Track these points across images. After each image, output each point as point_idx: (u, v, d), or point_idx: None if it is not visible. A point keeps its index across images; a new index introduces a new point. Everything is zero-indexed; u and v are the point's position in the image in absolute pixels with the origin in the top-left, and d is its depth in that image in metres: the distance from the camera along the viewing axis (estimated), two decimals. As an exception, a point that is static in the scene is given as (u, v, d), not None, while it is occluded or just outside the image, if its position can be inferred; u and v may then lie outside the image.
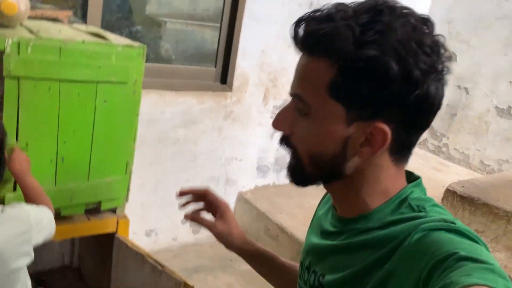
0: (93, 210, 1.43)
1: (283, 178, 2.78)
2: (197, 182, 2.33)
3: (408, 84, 0.56)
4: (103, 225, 1.44)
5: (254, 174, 2.61)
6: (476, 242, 0.56)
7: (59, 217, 1.34)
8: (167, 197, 2.27)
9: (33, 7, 1.60)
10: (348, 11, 0.59)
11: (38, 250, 1.85)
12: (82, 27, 1.54)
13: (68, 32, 1.35)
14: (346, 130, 0.61)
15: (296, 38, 0.62)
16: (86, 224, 1.40)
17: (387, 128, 0.59)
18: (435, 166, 2.95)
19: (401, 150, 0.64)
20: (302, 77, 0.63)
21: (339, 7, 0.59)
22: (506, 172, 2.70)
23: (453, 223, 0.59)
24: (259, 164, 2.61)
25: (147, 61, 2.11)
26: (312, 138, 0.63)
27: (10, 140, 1.16)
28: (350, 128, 0.61)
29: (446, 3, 3.03)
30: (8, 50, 1.10)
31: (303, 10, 2.40)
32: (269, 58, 2.39)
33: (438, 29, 0.60)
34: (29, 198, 1.10)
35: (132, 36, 2.09)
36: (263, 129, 2.53)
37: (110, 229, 1.46)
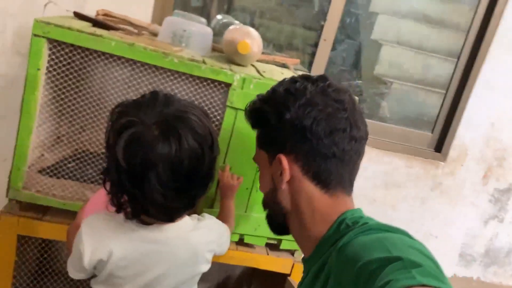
0: (273, 246, 1.46)
1: (491, 275, 2.34)
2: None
3: (282, 123, 0.78)
4: (279, 263, 1.45)
5: (454, 260, 2.27)
6: (388, 231, 0.64)
7: (242, 243, 1.42)
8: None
9: (267, 53, 1.80)
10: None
11: (221, 278, 1.99)
12: (305, 74, 1.64)
13: (289, 75, 1.45)
14: (270, 169, 0.83)
15: None
16: (264, 257, 1.43)
17: (282, 157, 0.79)
18: None
19: (320, 177, 0.77)
20: None
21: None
22: None
23: (366, 223, 0.69)
24: (462, 250, 2.26)
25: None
26: (261, 184, 0.89)
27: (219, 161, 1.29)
28: (272, 167, 0.82)
29: None
30: (234, 84, 1.24)
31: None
32: (500, 133, 2.09)
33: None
34: (222, 216, 1.21)
35: (351, 89, 2.13)
36: (477, 211, 2.20)
37: (285, 270, 1.46)
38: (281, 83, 0.86)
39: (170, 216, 0.91)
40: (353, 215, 0.75)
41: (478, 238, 2.25)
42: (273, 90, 0.86)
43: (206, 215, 1.07)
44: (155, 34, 1.44)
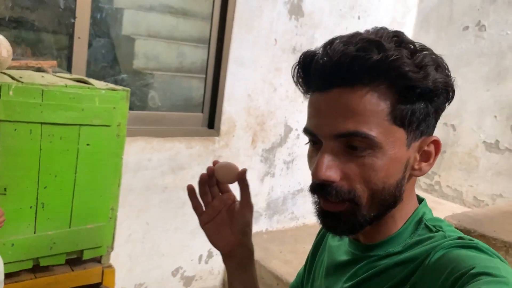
0: (77, 260, 1.37)
1: (275, 223, 2.72)
2: (186, 230, 2.26)
3: (447, 93, 0.62)
4: (87, 275, 1.37)
5: (246, 220, 2.54)
6: (494, 257, 0.55)
7: (38, 268, 1.28)
8: (156, 247, 2.20)
9: (18, 59, 1.62)
10: (378, 38, 0.58)
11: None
12: (66, 75, 1.55)
13: (52, 78, 1.35)
14: (407, 153, 0.60)
15: (320, 72, 0.58)
16: (69, 275, 1.33)
17: (438, 138, 0.62)
18: (429, 205, 2.91)
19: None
20: (353, 112, 0.57)
21: (358, 37, 0.58)
22: (499, 204, 2.66)
23: (471, 240, 0.58)
24: (250, 209, 2.56)
25: (133, 109, 2.13)
26: (379, 171, 0.58)
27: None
28: (409, 150, 0.60)
29: (426, 43, 3.12)
30: (-13, 95, 1.09)
31: (286, 56, 2.46)
32: (256, 102, 2.41)
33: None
34: None
35: (117, 84, 2.10)
36: (253, 172, 2.50)
37: (95, 279, 1.39)
38: (419, 45, 0.65)
39: None
40: (427, 214, 0.64)
41: (259, 196, 2.58)
42: (430, 52, 0.65)
43: None
44: None
